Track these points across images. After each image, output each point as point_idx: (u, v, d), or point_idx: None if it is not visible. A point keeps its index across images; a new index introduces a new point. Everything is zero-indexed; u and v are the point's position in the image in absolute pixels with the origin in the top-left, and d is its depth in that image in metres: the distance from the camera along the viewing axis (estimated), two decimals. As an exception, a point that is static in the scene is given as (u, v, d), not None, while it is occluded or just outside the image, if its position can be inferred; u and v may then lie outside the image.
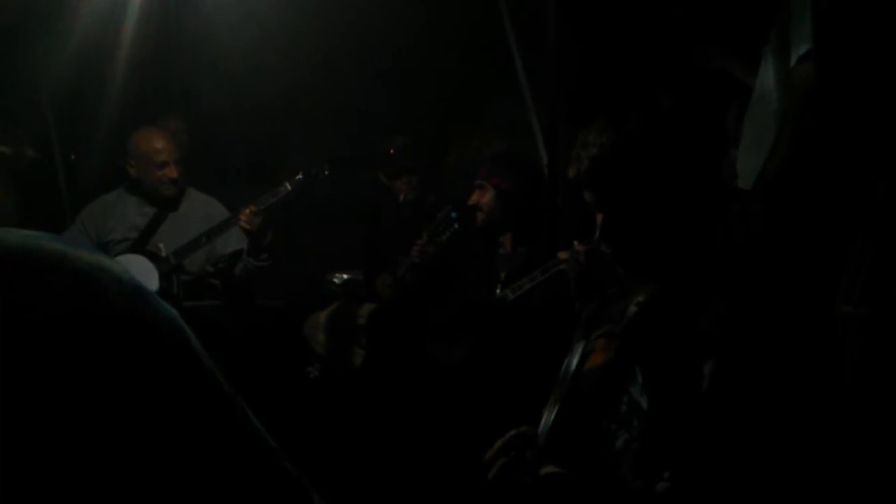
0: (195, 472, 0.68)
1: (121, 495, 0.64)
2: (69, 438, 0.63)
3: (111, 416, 0.65)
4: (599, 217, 1.36)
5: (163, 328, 0.71)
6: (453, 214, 2.95)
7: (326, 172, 3.17)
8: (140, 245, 3.16)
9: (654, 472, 1.36)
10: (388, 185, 3.44)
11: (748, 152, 2.34)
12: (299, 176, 3.15)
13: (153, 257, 3.11)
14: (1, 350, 0.62)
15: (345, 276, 3.60)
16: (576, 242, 2.51)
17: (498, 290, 2.85)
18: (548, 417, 1.39)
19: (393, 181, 3.43)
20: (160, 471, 0.66)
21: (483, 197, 2.91)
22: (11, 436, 0.62)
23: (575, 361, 1.41)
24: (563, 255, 2.54)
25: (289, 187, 3.15)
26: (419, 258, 3.02)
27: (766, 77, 2.35)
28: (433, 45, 3.41)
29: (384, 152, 3.42)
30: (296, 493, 0.74)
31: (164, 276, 3.07)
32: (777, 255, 2.03)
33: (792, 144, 2.12)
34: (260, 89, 3.53)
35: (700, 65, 2.55)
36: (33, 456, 0.62)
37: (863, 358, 1.94)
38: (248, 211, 3.09)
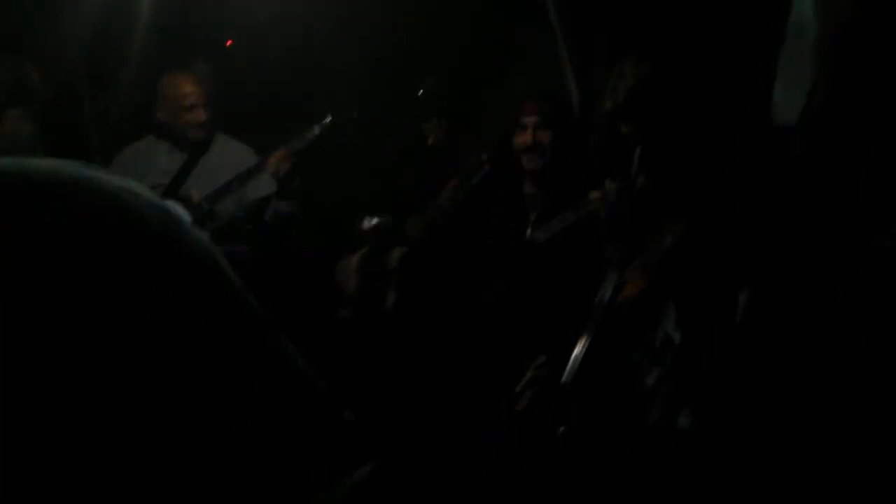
0: (231, 392, 0.70)
1: (150, 414, 0.67)
2: (102, 356, 0.65)
3: (144, 335, 0.66)
4: (637, 150, 1.35)
5: (195, 251, 0.72)
6: (484, 157, 2.91)
7: (355, 115, 3.16)
8: (172, 191, 3.20)
9: (679, 408, 1.38)
10: (417, 127, 3.42)
11: (786, 87, 2.29)
12: (327, 119, 3.15)
13: (186, 203, 3.14)
14: (33, 274, 0.64)
15: (374, 220, 3.61)
16: (607, 181, 2.48)
17: (528, 231, 2.84)
18: (580, 349, 1.41)
19: (422, 123, 3.40)
20: (196, 392, 0.68)
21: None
22: (45, 353, 0.64)
23: (608, 294, 1.41)
24: (595, 194, 2.51)
25: (317, 131, 3.15)
26: (449, 202, 3.00)
27: (803, 8, 2.28)
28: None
29: (412, 95, 3.39)
30: (327, 406, 0.76)
31: (196, 222, 3.10)
32: (818, 188, 2.00)
33: (835, 76, 2.07)
34: (287, 33, 3.50)
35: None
36: (68, 367, 0.64)
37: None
38: (277, 155, 3.11)
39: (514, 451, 1.60)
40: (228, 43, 3.79)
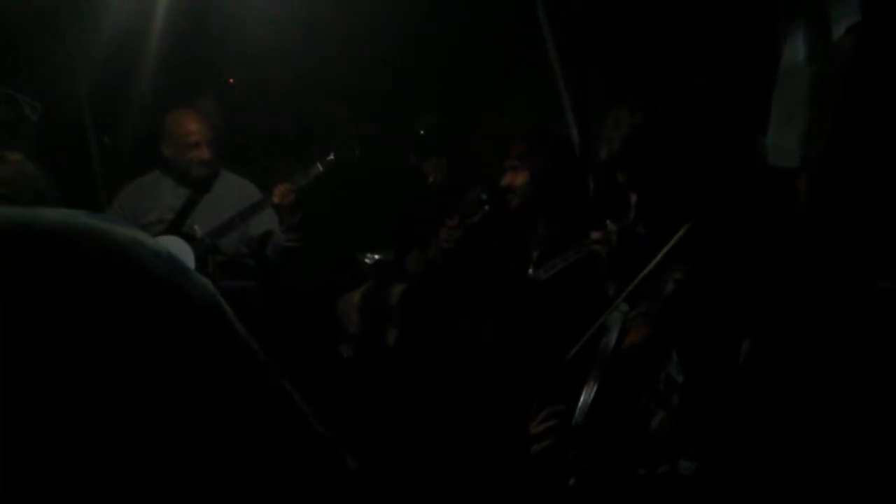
0: (230, 435, 0.70)
1: (156, 455, 0.67)
2: (108, 399, 0.66)
3: (148, 379, 0.67)
4: (633, 197, 1.36)
5: (198, 297, 0.73)
6: (484, 196, 2.93)
7: (357, 153, 3.19)
8: (176, 226, 3.21)
9: (686, 451, 1.37)
10: (418, 165, 3.45)
11: (779, 128, 2.31)
12: (330, 156, 3.19)
13: (189, 238, 3.16)
14: (42, 320, 0.65)
15: (376, 256, 3.63)
16: (608, 222, 2.49)
17: (530, 270, 2.85)
18: (587, 395, 1.40)
19: (422, 162, 3.43)
20: (196, 433, 0.69)
21: (517, 178, 2.87)
22: (54, 395, 0.65)
23: (613, 339, 1.41)
24: (595, 234, 2.53)
25: (320, 168, 3.18)
26: (449, 241, 3.02)
27: (797, 51, 2.31)
28: (462, 21, 3.39)
29: (413, 133, 3.42)
30: (330, 456, 0.77)
31: (199, 258, 3.13)
32: (820, 231, 2.01)
33: (838, 119, 2.09)
34: (289, 70, 3.54)
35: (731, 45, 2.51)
36: (75, 411, 0.65)
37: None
38: (280, 189, 3.15)
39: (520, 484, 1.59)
40: (230, 81, 3.83)
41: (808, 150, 2.16)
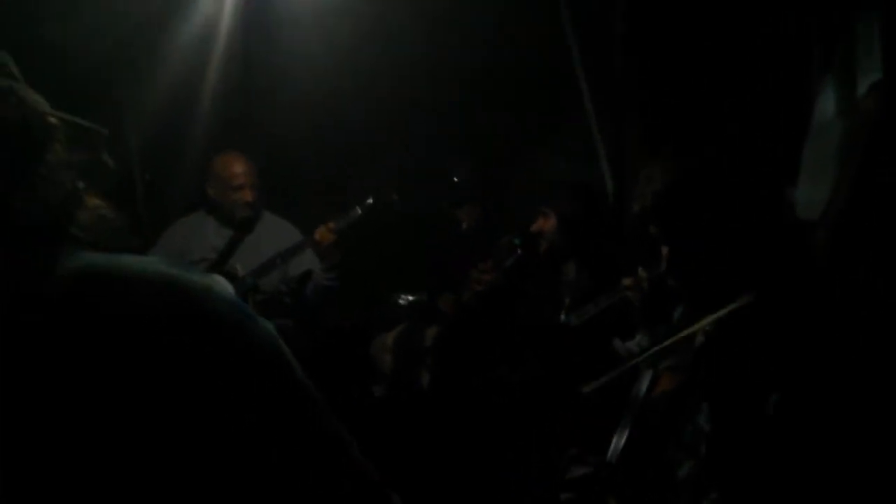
0: (287, 469, 0.76)
1: (218, 488, 0.73)
2: (184, 436, 0.73)
3: (218, 415, 0.74)
4: (665, 250, 1.40)
5: (262, 340, 0.80)
6: (517, 241, 2.99)
7: (395, 197, 3.28)
8: (218, 266, 3.30)
9: (711, 500, 1.39)
10: (451, 212, 3.52)
11: (808, 182, 2.34)
12: (369, 200, 3.27)
13: (231, 278, 3.25)
14: (125, 364, 0.72)
15: (410, 298, 3.68)
16: (640, 269, 2.53)
17: (562, 316, 2.89)
18: (618, 440, 1.44)
19: (456, 209, 3.51)
20: (255, 466, 0.75)
21: (546, 224, 2.94)
22: (138, 434, 0.72)
23: (643, 388, 1.45)
24: (627, 281, 2.57)
25: (359, 211, 3.26)
26: (481, 284, 3.07)
27: (827, 106, 2.34)
28: (500, 70, 3.48)
29: (447, 180, 3.51)
30: (378, 492, 0.82)
31: (240, 296, 3.20)
32: (841, 284, 2.02)
33: (859, 175, 2.12)
34: (332, 118, 3.66)
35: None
36: (156, 444, 0.72)
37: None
38: (321, 231, 3.23)
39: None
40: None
41: (828, 204, 2.19)
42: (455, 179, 3.48)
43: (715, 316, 1.34)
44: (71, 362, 0.72)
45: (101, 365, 0.72)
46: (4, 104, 0.84)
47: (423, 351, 3.23)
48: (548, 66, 3.35)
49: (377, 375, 3.41)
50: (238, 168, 3.32)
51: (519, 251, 3.00)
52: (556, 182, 3.09)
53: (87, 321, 0.73)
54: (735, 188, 1.42)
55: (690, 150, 1.42)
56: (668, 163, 1.37)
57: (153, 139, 3.57)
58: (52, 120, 0.89)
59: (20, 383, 0.72)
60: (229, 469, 0.74)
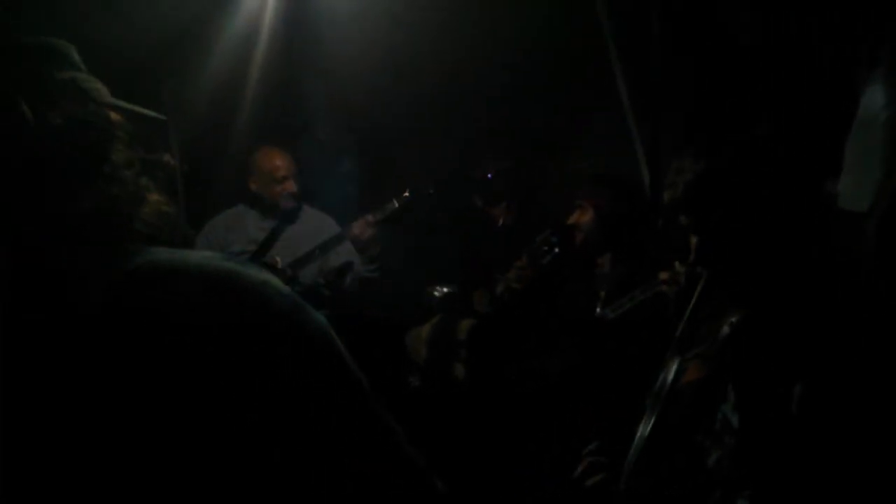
0: (339, 458, 0.79)
1: (275, 478, 0.77)
2: (243, 427, 0.76)
3: (275, 405, 0.78)
4: (694, 240, 1.41)
5: (316, 332, 0.83)
6: (554, 239, 2.99)
7: (432, 191, 3.31)
8: (258, 257, 3.38)
9: (739, 491, 1.39)
10: (484, 209, 3.54)
11: (851, 174, 2.30)
12: (406, 193, 3.31)
13: (270, 269, 3.30)
14: (187, 357, 0.76)
15: (445, 290, 3.71)
16: (677, 263, 2.52)
17: (598, 309, 2.89)
18: (643, 430, 1.45)
19: (492, 206, 3.53)
20: (309, 456, 0.78)
21: (582, 217, 2.93)
22: (198, 419, 0.75)
23: (670, 378, 1.46)
24: (663, 275, 2.56)
25: (396, 204, 3.31)
26: (517, 281, 3.07)
27: (875, 100, 2.30)
28: (536, 66, 3.49)
29: (482, 177, 3.53)
30: (426, 482, 0.85)
31: (279, 287, 3.26)
32: (885, 276, 1.99)
33: None
34: (372, 114, 3.71)
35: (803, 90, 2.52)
36: (208, 436, 0.75)
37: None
38: (360, 223, 3.29)
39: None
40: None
41: (878, 194, 2.15)
42: (489, 176, 3.49)
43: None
44: (136, 357, 0.75)
45: (164, 359, 0.76)
46: (68, 99, 0.87)
47: (458, 343, 3.25)
48: (584, 59, 3.34)
49: (413, 367, 3.44)
50: (280, 161, 3.39)
51: (556, 249, 3.01)
52: (593, 175, 3.09)
53: (152, 317, 0.77)
54: (768, 180, 1.42)
55: (722, 141, 1.42)
56: (700, 153, 1.37)
57: (197, 135, 3.65)
58: (115, 116, 0.92)
59: (89, 377, 0.75)
60: (284, 458, 0.78)
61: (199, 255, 0.83)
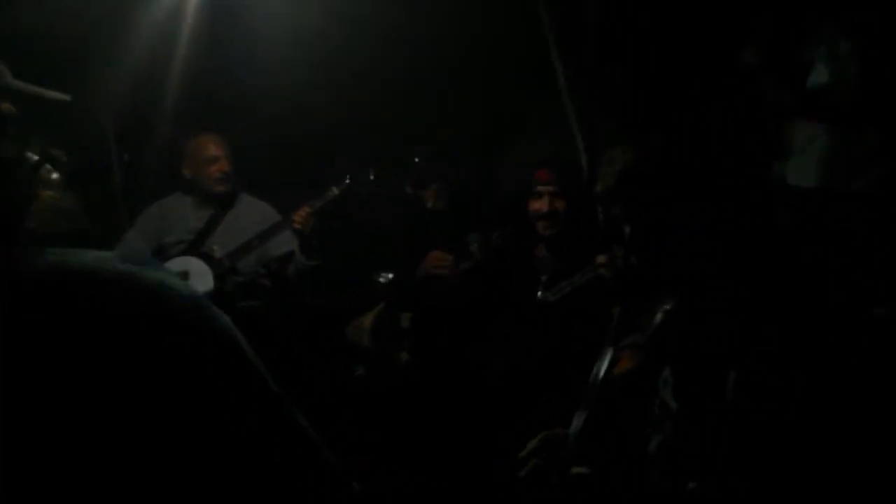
0: (243, 462, 0.77)
1: (173, 482, 0.74)
2: (136, 425, 0.74)
3: (173, 408, 0.75)
4: (627, 229, 1.41)
5: (218, 332, 0.81)
6: (496, 234, 3.00)
7: (372, 178, 3.28)
8: (195, 247, 3.30)
9: (681, 475, 1.41)
10: (416, 194, 3.52)
11: (802, 150, 2.37)
12: (347, 180, 3.27)
13: (208, 259, 3.25)
14: (79, 360, 0.72)
15: (390, 276, 3.68)
16: (615, 246, 2.53)
17: (539, 293, 2.90)
18: (578, 420, 1.45)
19: (421, 188, 3.50)
20: (210, 460, 0.76)
21: (558, 204, 2.87)
22: (85, 424, 0.72)
23: (604, 367, 1.46)
24: (601, 258, 2.58)
25: (336, 191, 3.27)
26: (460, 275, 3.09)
27: (821, 79, 2.37)
28: (476, 56, 3.47)
29: (410, 163, 3.51)
30: (336, 481, 0.83)
31: (218, 278, 3.21)
32: (810, 261, 2.04)
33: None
34: (307, 99, 3.64)
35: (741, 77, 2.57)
36: (109, 439, 0.73)
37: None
38: (300, 212, 3.24)
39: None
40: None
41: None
42: (416, 160, 3.48)
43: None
44: (31, 363, 0.73)
45: (60, 363, 0.73)
46: None
47: (401, 332, 3.24)
48: (524, 49, 3.34)
49: (358, 356, 3.42)
50: (211, 142, 3.32)
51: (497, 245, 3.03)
52: (550, 161, 3.06)
53: (47, 323, 0.74)
54: (697, 168, 1.42)
55: (652, 130, 1.42)
56: (630, 144, 1.37)
57: (129, 121, 3.54)
58: (6, 107, 0.88)
59: None
60: (185, 463, 0.75)
61: (94, 257, 0.80)
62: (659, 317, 1.42)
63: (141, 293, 0.78)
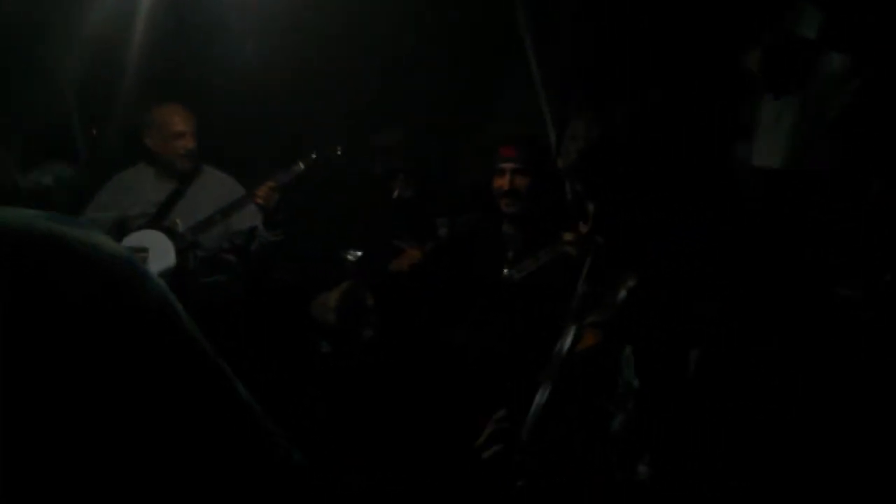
0: (179, 434, 0.75)
1: (109, 457, 0.72)
2: (65, 399, 0.71)
3: (102, 379, 0.72)
4: (590, 207, 1.40)
5: (154, 297, 0.78)
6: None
7: (339, 153, 3.24)
8: (157, 221, 3.24)
9: (639, 456, 1.41)
10: (383, 180, 3.50)
11: (761, 133, 2.37)
12: (313, 155, 3.23)
13: (170, 233, 3.19)
14: (12, 326, 0.69)
15: (358, 253, 3.66)
16: (581, 224, 2.53)
17: (505, 270, 2.89)
18: (540, 398, 1.45)
19: (389, 178, 3.48)
20: (146, 433, 0.73)
21: (521, 181, 2.85)
22: (17, 399, 0.69)
23: (567, 344, 1.46)
24: (567, 236, 2.58)
25: (302, 166, 3.22)
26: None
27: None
28: (443, 35, 3.43)
29: (380, 146, 3.48)
30: (276, 450, 0.81)
31: (180, 252, 3.16)
32: (780, 236, 2.06)
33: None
34: (275, 75, 3.58)
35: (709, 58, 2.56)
36: (34, 423, 0.70)
37: (862, 343, 1.96)
38: (264, 187, 3.19)
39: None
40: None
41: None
42: (381, 147, 3.45)
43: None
44: None
45: None
46: None
47: (367, 309, 3.22)
48: (494, 30, 3.30)
49: (323, 332, 3.40)
50: (177, 117, 3.24)
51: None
52: (516, 137, 3.04)
53: None
54: (660, 145, 1.41)
55: (615, 107, 1.40)
56: (593, 120, 1.35)
57: (93, 93, 3.46)
58: None
59: None
60: (119, 435, 0.73)
61: (19, 213, 0.77)
62: (622, 294, 1.42)
63: (74, 253, 0.75)
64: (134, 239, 3.11)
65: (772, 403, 1.37)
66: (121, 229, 3.15)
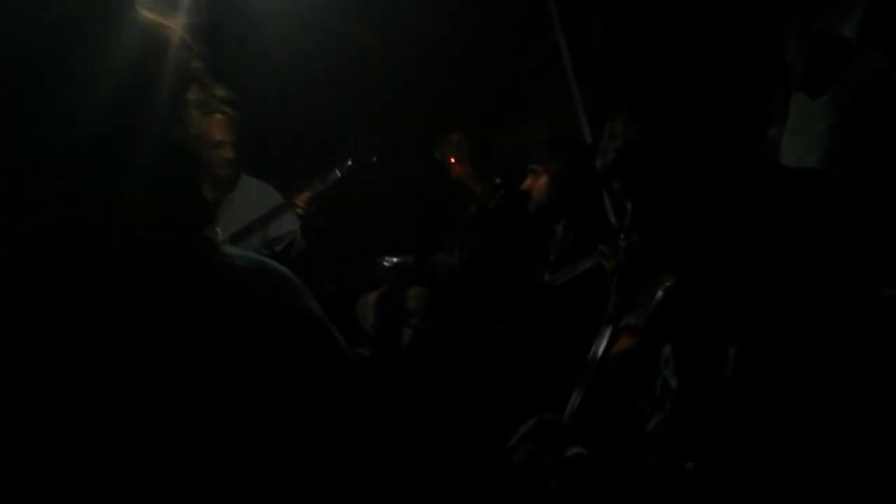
0: (328, 426, 0.92)
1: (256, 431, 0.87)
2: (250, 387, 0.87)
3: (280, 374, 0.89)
4: (628, 206, 1.39)
5: (318, 309, 0.99)
6: (498, 181, 3.01)
7: (375, 159, 3.25)
8: (196, 230, 3.28)
9: (678, 455, 1.39)
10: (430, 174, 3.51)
11: (794, 133, 2.33)
12: (349, 163, 3.24)
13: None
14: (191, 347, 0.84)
15: (395, 260, 3.67)
16: (622, 235, 2.50)
17: (546, 275, 2.88)
18: (574, 400, 1.44)
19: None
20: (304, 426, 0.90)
21: (536, 182, 2.90)
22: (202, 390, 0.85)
23: (602, 347, 1.45)
24: (602, 248, 2.55)
25: (338, 174, 3.24)
26: (467, 231, 3.06)
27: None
28: (479, 34, 3.44)
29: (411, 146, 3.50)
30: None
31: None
32: (820, 235, 2.02)
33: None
34: (311, 82, 3.62)
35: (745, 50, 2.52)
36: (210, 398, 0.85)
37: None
38: (302, 197, 3.21)
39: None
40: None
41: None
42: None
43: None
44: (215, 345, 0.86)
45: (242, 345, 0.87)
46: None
47: (406, 310, 3.23)
48: (528, 29, 3.30)
49: (362, 336, 3.41)
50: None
51: (501, 191, 3.02)
52: (548, 139, 3.04)
53: (243, 310, 0.88)
54: (698, 142, 1.40)
55: (652, 104, 1.39)
56: (629, 118, 1.35)
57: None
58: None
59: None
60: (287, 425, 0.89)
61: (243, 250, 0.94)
62: (660, 294, 1.40)
63: (278, 278, 0.96)
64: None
65: (812, 402, 1.35)
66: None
